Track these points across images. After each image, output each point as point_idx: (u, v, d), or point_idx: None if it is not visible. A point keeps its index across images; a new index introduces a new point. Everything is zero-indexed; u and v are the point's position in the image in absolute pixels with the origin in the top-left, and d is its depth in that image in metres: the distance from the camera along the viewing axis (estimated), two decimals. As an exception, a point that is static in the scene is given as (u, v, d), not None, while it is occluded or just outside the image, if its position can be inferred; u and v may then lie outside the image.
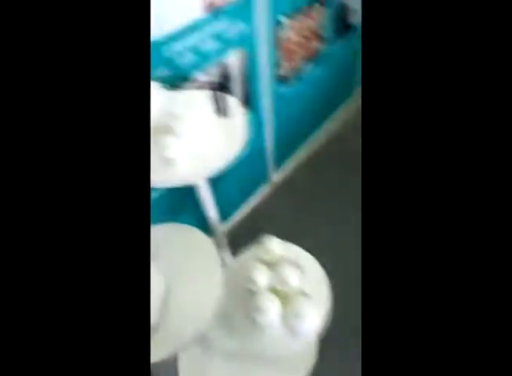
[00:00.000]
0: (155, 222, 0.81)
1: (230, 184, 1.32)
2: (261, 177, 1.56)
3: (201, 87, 0.99)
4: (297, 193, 1.56)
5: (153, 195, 1.06)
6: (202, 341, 1.01)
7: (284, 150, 1.57)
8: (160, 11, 0.78)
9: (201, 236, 0.80)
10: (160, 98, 0.68)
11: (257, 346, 0.77)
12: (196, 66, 0.94)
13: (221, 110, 0.71)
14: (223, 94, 0.71)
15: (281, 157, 1.57)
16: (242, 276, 0.84)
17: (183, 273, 0.71)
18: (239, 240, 1.04)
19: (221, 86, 1.05)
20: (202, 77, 0.98)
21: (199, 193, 0.87)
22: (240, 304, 0.82)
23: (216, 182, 1.03)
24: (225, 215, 1.37)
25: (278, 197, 1.56)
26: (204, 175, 0.64)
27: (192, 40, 0.89)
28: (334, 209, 1.45)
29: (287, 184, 1.61)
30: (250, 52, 1.09)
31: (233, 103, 0.75)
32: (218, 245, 0.99)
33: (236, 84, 1.11)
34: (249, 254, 0.91)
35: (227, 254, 1.08)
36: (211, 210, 0.92)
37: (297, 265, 0.82)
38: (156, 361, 0.59)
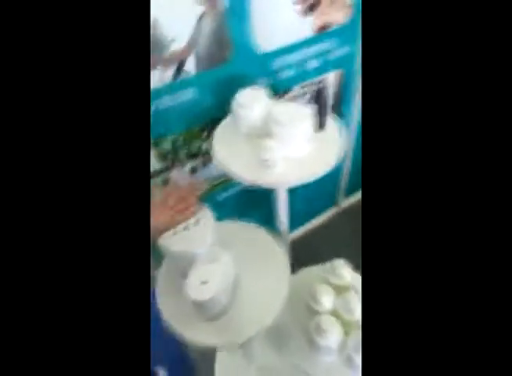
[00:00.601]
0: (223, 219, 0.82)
1: (299, 199, 1.32)
2: (330, 199, 1.53)
3: (299, 100, 1.02)
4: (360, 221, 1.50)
5: (225, 194, 1.10)
6: (244, 345, 1.00)
7: (359, 177, 1.53)
8: (269, 28, 0.83)
9: (271, 237, 0.80)
10: (264, 104, 0.71)
11: (308, 367, 0.74)
12: (296, 80, 0.98)
13: (321, 123, 0.72)
14: (325, 108, 0.72)
15: (354, 184, 1.53)
16: (304, 292, 0.82)
17: (252, 269, 0.71)
18: (294, 255, 1.03)
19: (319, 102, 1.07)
20: (299, 91, 1.01)
21: (276, 199, 0.88)
22: (297, 320, 0.80)
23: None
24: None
25: (342, 221, 1.52)
26: (297, 181, 0.65)
27: (296, 57, 0.93)
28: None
29: (354, 211, 1.56)
30: (347, 74, 1.10)
31: (331, 119, 0.75)
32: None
33: (329, 104, 1.13)
34: (314, 273, 0.89)
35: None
36: (284, 217, 0.92)
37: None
38: (211, 346, 0.59)
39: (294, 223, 1.43)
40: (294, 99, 1.01)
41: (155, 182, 0.92)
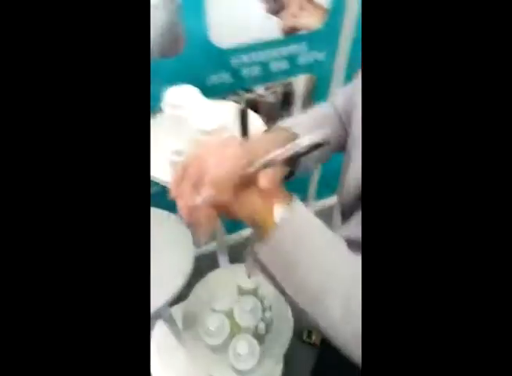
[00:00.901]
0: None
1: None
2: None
3: (259, 100, 1.01)
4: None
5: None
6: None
7: (330, 182, 1.52)
8: (230, 25, 0.81)
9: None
10: (192, 105, 0.72)
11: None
12: (260, 80, 0.96)
13: (244, 129, 0.72)
14: (249, 114, 0.72)
15: (324, 188, 1.52)
16: (210, 290, 0.85)
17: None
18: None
19: (282, 104, 1.06)
20: (262, 91, 1.00)
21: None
22: (199, 315, 0.84)
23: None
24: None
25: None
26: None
27: (262, 56, 0.92)
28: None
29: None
30: (320, 79, 1.07)
31: (259, 124, 0.75)
32: (220, 246, 1.01)
33: (297, 108, 1.11)
34: (228, 272, 0.92)
35: (225, 259, 1.10)
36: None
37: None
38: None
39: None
40: (254, 98, 1.00)
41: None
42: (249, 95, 0.98)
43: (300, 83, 1.04)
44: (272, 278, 0.33)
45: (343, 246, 0.33)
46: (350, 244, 0.33)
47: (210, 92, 0.87)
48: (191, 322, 0.84)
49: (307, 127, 0.48)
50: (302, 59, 0.98)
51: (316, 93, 1.09)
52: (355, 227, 0.36)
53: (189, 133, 0.68)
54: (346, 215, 0.39)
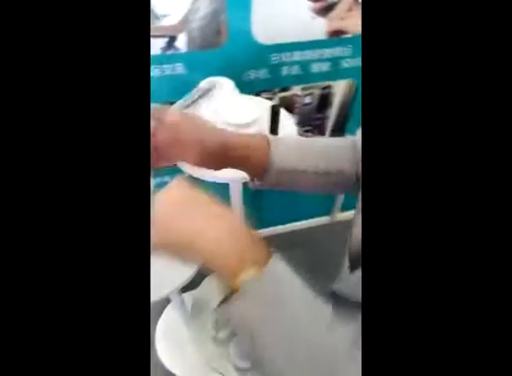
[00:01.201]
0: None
1: (288, 198, 1.32)
2: (325, 207, 1.50)
3: (294, 99, 1.00)
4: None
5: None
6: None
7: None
8: (273, 22, 0.81)
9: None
10: (224, 96, 0.72)
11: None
12: (299, 80, 0.95)
13: (274, 126, 0.71)
14: (281, 112, 0.71)
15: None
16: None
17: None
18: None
19: (318, 107, 1.04)
20: (299, 91, 0.99)
21: (232, 194, 0.90)
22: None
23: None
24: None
25: (331, 232, 1.50)
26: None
27: (303, 56, 0.90)
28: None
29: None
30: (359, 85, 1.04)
31: (290, 123, 0.74)
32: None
33: (333, 112, 1.08)
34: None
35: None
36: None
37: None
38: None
39: (275, 220, 1.43)
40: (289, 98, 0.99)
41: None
42: (284, 94, 0.97)
43: (339, 87, 1.02)
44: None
45: (326, 314, 0.29)
46: (343, 303, 0.30)
47: (246, 87, 0.87)
48: (199, 311, 0.85)
49: (320, 153, 0.46)
50: (345, 64, 0.96)
51: (355, 100, 1.06)
52: (355, 285, 0.31)
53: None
54: (354, 265, 0.36)
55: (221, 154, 0.40)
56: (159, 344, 1.13)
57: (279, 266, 0.30)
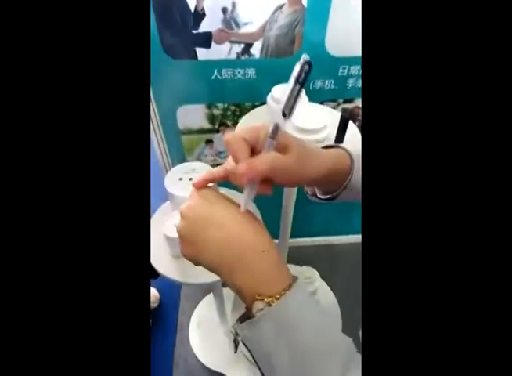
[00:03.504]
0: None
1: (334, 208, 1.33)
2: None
3: (356, 112, 1.01)
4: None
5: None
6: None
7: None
8: (353, 37, 0.83)
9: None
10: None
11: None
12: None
13: (341, 136, 0.74)
14: (350, 124, 0.73)
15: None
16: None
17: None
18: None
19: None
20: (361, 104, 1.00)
21: (284, 199, 0.93)
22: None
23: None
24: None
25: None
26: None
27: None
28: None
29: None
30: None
31: (356, 133, 0.76)
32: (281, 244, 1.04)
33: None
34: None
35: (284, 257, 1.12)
36: (288, 219, 0.97)
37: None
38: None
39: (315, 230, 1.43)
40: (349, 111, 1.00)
41: (199, 138, 1.05)
42: (347, 105, 0.99)
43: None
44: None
45: (349, 347, 0.29)
46: None
47: (312, 94, 0.90)
48: (240, 306, 0.88)
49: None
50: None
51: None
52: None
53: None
54: None
55: (319, 182, 0.39)
56: (191, 331, 1.17)
57: (296, 299, 0.29)
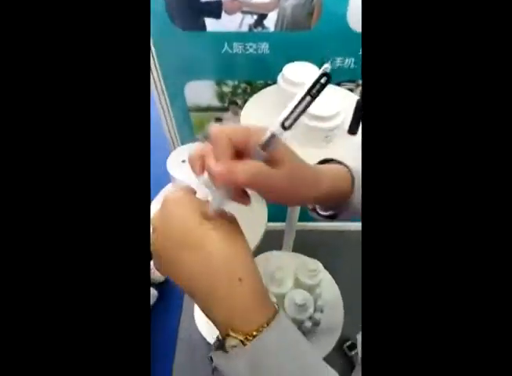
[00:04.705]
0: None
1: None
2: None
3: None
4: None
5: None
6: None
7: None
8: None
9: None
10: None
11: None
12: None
13: (355, 124, 0.67)
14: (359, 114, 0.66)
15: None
16: (278, 268, 0.86)
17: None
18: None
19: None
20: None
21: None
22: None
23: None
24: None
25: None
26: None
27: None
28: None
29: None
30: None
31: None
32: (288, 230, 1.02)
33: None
34: (295, 261, 0.91)
35: (289, 243, 1.10)
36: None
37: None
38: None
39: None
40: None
41: (210, 116, 1.01)
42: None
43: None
44: None
45: None
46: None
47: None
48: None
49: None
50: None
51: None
52: None
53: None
54: None
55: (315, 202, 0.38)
56: (197, 314, 1.18)
57: (273, 339, 0.26)
